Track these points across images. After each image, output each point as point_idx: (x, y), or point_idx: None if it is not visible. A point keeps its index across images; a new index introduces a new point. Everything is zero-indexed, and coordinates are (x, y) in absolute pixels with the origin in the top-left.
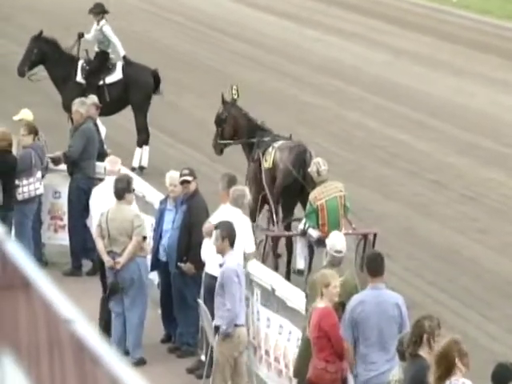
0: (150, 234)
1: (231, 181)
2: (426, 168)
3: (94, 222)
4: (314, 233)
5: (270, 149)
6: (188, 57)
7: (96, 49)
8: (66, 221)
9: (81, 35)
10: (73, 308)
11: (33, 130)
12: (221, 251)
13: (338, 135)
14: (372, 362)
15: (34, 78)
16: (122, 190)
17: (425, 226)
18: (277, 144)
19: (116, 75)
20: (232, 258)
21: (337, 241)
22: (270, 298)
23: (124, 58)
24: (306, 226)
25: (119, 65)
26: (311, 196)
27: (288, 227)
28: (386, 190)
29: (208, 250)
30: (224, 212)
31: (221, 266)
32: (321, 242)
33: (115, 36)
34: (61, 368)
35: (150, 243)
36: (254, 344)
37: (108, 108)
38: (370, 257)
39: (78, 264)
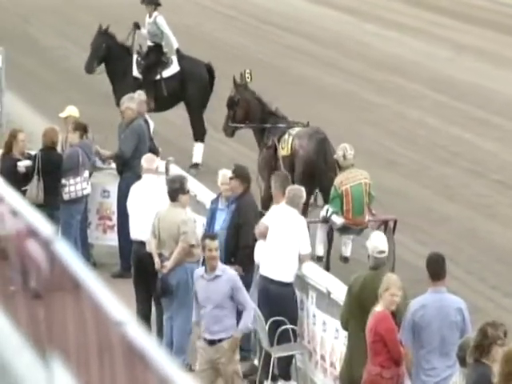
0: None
1: (285, 180)
2: (489, 168)
3: (131, 221)
4: (337, 219)
5: (286, 136)
6: (241, 51)
7: (149, 43)
8: (115, 221)
9: (137, 25)
10: (123, 310)
11: (80, 128)
12: (217, 262)
13: (399, 134)
14: (432, 368)
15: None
16: (175, 190)
17: (488, 228)
18: (293, 131)
19: (173, 69)
20: (228, 268)
21: (378, 242)
22: (326, 301)
23: (177, 51)
24: (329, 212)
25: (174, 58)
26: (336, 181)
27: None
28: (448, 190)
29: (262, 251)
30: (278, 212)
31: (218, 277)
32: (344, 229)
33: (168, 28)
34: (111, 371)
35: None
36: (310, 349)
37: (165, 103)
38: (432, 258)
39: (127, 265)
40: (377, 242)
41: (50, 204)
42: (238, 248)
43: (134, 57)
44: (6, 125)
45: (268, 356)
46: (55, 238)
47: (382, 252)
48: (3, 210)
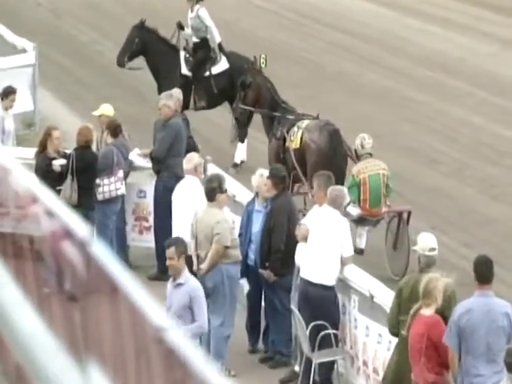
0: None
1: (328, 181)
2: None
3: (174, 223)
4: (353, 211)
5: (296, 128)
6: (280, 47)
7: (195, 39)
8: (151, 222)
9: (180, 25)
10: (162, 314)
11: (113, 127)
12: (176, 270)
13: (440, 132)
14: (479, 375)
15: (133, 66)
16: (213, 190)
17: None
18: (303, 124)
19: (222, 65)
20: (193, 278)
21: (428, 239)
22: (369, 305)
23: (219, 45)
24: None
25: (223, 54)
26: (354, 169)
27: None
28: (492, 190)
29: (303, 254)
30: (320, 213)
31: (180, 285)
32: (360, 221)
33: (211, 21)
34: (149, 376)
35: None
36: (352, 354)
37: (214, 100)
38: (479, 261)
39: (164, 267)
40: (427, 239)
41: (85, 205)
42: (270, 252)
43: (182, 53)
44: (39, 123)
45: (309, 362)
46: (91, 239)
47: (434, 249)
48: (38, 210)
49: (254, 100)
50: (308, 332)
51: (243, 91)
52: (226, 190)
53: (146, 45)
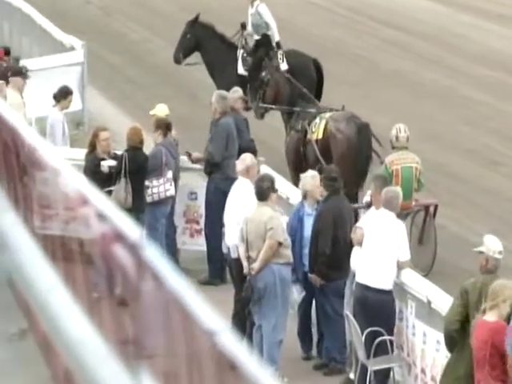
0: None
1: (384, 182)
2: None
3: (226, 226)
4: None
5: (318, 120)
6: (334, 44)
7: (256, 37)
8: (202, 224)
9: (243, 26)
10: (215, 318)
11: (162, 126)
12: None
13: (501, 132)
14: None
15: (190, 62)
16: (267, 189)
17: None
18: (326, 115)
19: (281, 66)
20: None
21: (496, 242)
22: (426, 311)
23: (277, 44)
24: None
25: (282, 54)
26: (387, 160)
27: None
28: None
29: (359, 258)
30: (376, 216)
31: None
32: None
33: (272, 17)
34: (201, 382)
35: None
36: (409, 361)
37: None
38: None
39: (215, 272)
40: (495, 242)
41: (137, 207)
42: (317, 256)
43: (240, 52)
44: (88, 122)
45: (364, 369)
46: (143, 242)
47: (501, 252)
48: (88, 212)
49: (273, 97)
50: (363, 338)
51: (261, 90)
52: (276, 190)
53: (200, 40)
